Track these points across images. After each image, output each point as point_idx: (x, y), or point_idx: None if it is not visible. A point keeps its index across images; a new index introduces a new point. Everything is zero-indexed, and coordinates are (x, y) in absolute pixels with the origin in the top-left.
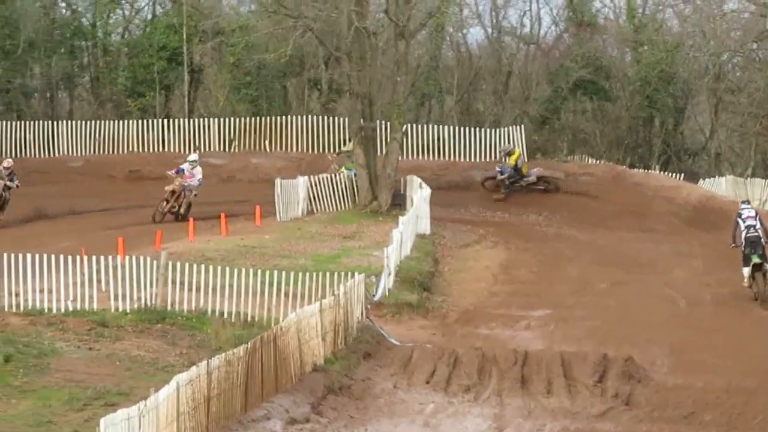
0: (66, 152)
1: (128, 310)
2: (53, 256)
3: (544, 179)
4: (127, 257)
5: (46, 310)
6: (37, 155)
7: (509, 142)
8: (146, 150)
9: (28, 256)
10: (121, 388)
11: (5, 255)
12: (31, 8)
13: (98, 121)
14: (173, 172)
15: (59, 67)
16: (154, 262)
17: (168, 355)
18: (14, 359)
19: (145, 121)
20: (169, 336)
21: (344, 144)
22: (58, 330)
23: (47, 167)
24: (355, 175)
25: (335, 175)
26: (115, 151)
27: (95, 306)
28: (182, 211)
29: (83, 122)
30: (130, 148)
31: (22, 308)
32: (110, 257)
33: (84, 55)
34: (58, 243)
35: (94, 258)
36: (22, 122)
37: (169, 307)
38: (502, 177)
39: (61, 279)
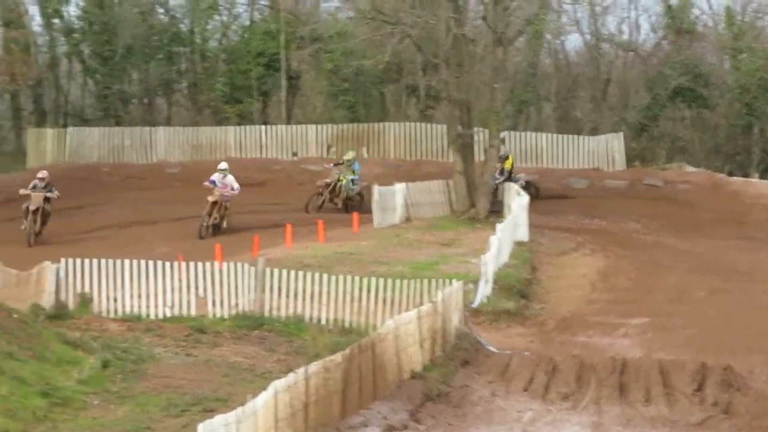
0: (164, 158)
1: (226, 317)
2: (151, 262)
3: (530, 183)
4: (224, 263)
5: (144, 316)
6: (135, 161)
7: (607, 151)
8: (244, 156)
9: (126, 262)
10: (219, 394)
11: (103, 261)
12: (129, 14)
13: (196, 128)
14: (207, 183)
15: (157, 73)
16: (252, 269)
17: (265, 361)
18: (112, 365)
19: (243, 127)
20: (266, 342)
21: (342, 153)
22: (156, 336)
23: (145, 173)
24: (353, 182)
25: (336, 184)
26: (213, 157)
27: (193, 312)
28: (223, 223)
29: (181, 128)
30: (228, 154)
31: (120, 314)
32: (208, 263)
33: (182, 61)
34: (156, 249)
35: (191, 264)
36: (121, 128)
37: (266, 314)
38: (496, 183)
39: (158, 285)
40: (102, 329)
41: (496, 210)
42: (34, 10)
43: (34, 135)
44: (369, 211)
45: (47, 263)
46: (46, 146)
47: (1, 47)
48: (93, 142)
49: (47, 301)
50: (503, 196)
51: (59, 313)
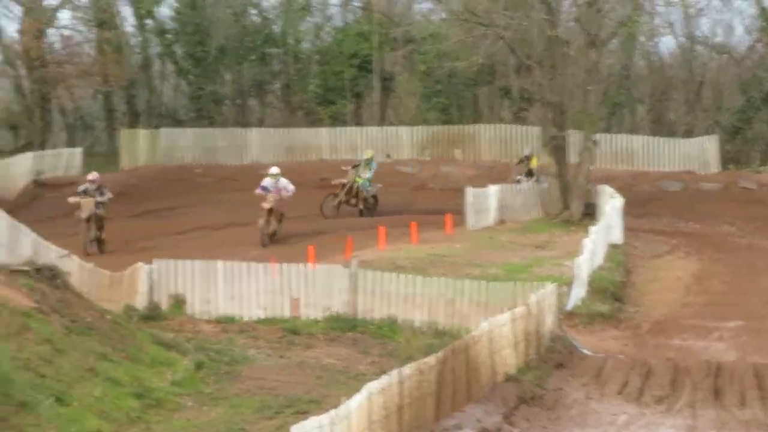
0: (257, 159)
1: (319, 318)
2: (245, 264)
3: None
4: (318, 265)
5: (237, 318)
6: (228, 162)
7: (701, 153)
8: (337, 157)
9: (220, 263)
10: (312, 396)
11: (197, 262)
12: (223, 15)
13: (289, 129)
14: (259, 190)
15: (250, 74)
16: (346, 270)
17: (359, 363)
18: (206, 366)
19: (335, 128)
20: (359, 344)
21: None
22: (249, 337)
23: (238, 174)
24: (369, 183)
25: (353, 185)
26: (306, 158)
27: (286, 314)
28: (277, 229)
29: (274, 129)
30: (321, 156)
31: (213, 315)
32: (301, 265)
33: (275, 62)
34: (250, 251)
35: (285, 266)
36: (213, 129)
37: (359, 316)
38: (518, 180)
39: (252, 287)
40: (195, 331)
41: (590, 212)
42: (127, 11)
43: (128, 136)
44: (380, 213)
45: (140, 264)
46: (139, 147)
47: (95, 48)
48: (186, 143)
49: (140, 302)
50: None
51: (152, 315)
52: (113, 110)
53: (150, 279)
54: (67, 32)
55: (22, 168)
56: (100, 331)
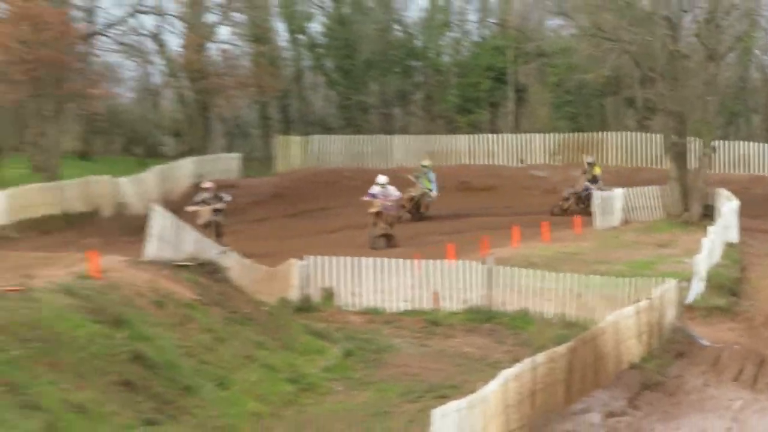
0: (400, 163)
1: (458, 310)
2: (390, 260)
3: None
4: (456, 261)
5: (383, 310)
6: (375, 166)
7: None
8: (475, 162)
9: (367, 259)
10: (452, 382)
11: (346, 258)
12: (369, 31)
13: (430, 136)
14: (367, 197)
15: (394, 86)
16: (482, 267)
17: (495, 351)
18: (354, 354)
19: (473, 136)
20: (495, 334)
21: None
22: (394, 327)
23: None
24: (430, 190)
25: (415, 190)
26: (446, 163)
27: (428, 306)
28: (390, 232)
29: (416, 136)
30: (460, 161)
31: (361, 307)
32: (442, 261)
33: (417, 74)
34: (396, 249)
35: (427, 262)
36: (360, 136)
37: (495, 308)
38: (587, 192)
39: (397, 281)
40: (344, 321)
41: (708, 214)
42: (280, 27)
43: (282, 142)
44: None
45: (294, 260)
46: (293, 152)
47: (251, 61)
48: (335, 149)
49: (294, 295)
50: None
51: (305, 306)
52: (268, 118)
53: (303, 274)
54: (225, 47)
55: (184, 171)
56: (258, 321)
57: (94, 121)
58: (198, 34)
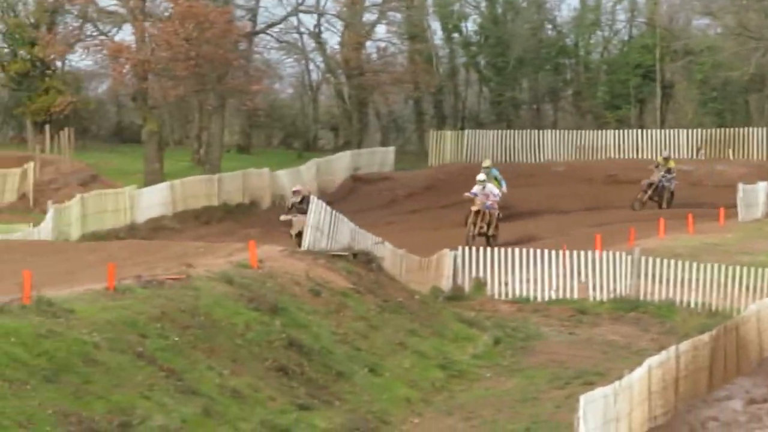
0: (550, 158)
1: (604, 300)
2: (539, 251)
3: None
4: (604, 252)
5: (531, 299)
6: (525, 160)
7: None
8: (622, 157)
9: (517, 250)
10: (598, 369)
11: (496, 249)
12: (521, 29)
13: (579, 131)
14: (469, 194)
15: (545, 82)
16: (628, 257)
17: (640, 340)
18: (503, 342)
19: (621, 131)
20: (640, 323)
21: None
22: (542, 316)
23: (533, 171)
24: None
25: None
26: (594, 158)
27: (575, 295)
28: (491, 232)
29: (566, 131)
30: (608, 155)
31: (510, 296)
32: (589, 252)
33: (567, 71)
34: (545, 239)
35: (574, 252)
36: (512, 131)
37: (641, 297)
38: (662, 184)
39: (545, 271)
40: (494, 310)
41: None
42: (436, 26)
43: (435, 136)
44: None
45: (446, 250)
46: (445, 147)
47: (407, 59)
48: (487, 144)
49: (446, 284)
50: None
51: (456, 295)
52: (423, 114)
53: (454, 263)
54: (382, 44)
55: (341, 164)
56: (410, 309)
57: (254, 115)
58: (356, 33)
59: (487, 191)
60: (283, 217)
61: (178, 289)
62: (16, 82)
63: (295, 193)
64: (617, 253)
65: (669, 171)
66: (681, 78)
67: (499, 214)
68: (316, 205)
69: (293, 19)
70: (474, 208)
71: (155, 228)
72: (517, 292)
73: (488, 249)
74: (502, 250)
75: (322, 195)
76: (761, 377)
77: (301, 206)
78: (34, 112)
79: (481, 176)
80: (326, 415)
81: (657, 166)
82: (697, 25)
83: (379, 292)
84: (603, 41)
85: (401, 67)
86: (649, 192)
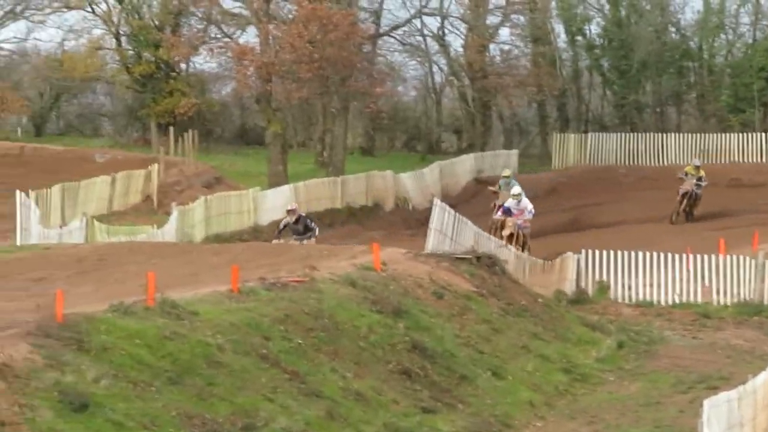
0: (674, 161)
1: (728, 304)
2: (662, 254)
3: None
4: (727, 256)
5: (654, 302)
6: (648, 164)
7: None
8: (746, 161)
9: (640, 253)
10: (722, 374)
11: (619, 252)
12: (645, 32)
13: (702, 134)
14: (499, 214)
15: (668, 85)
16: (752, 261)
17: (764, 344)
18: (626, 345)
19: (745, 134)
20: (765, 327)
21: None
22: (665, 320)
23: (657, 174)
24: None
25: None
26: (718, 161)
27: (698, 299)
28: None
29: (689, 135)
30: (732, 159)
31: (633, 300)
32: (712, 256)
33: (690, 74)
34: (665, 242)
35: (698, 256)
36: (635, 134)
37: (765, 302)
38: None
39: (668, 275)
40: (617, 314)
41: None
42: (559, 29)
43: (558, 139)
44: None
45: (569, 253)
46: (569, 150)
47: (530, 61)
48: (610, 147)
49: (569, 287)
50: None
51: (579, 299)
52: (546, 117)
53: (578, 267)
54: (506, 47)
55: (464, 167)
56: (533, 313)
57: (377, 118)
58: (480, 35)
59: (523, 206)
60: (275, 242)
61: (301, 291)
62: (141, 84)
63: (289, 212)
64: (741, 257)
65: (700, 179)
66: None
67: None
68: (440, 208)
69: (417, 22)
70: (506, 233)
71: None
72: (641, 296)
73: (611, 252)
74: (626, 253)
75: (446, 198)
76: None
77: (296, 227)
78: (158, 114)
79: (515, 190)
80: (449, 418)
81: (686, 175)
82: None
83: (503, 296)
84: (727, 44)
85: (524, 70)
86: (685, 202)
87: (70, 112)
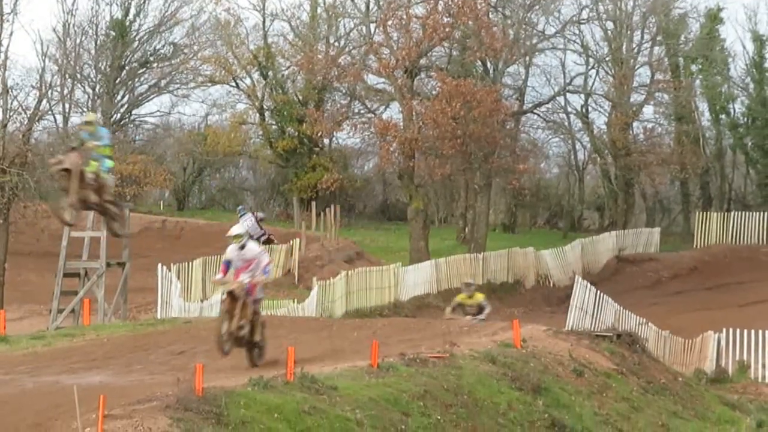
0: None
1: None
2: None
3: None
4: None
5: None
6: None
7: None
8: None
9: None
10: None
11: (761, 332)
12: None
13: None
14: (219, 275)
15: None
16: None
17: None
18: (766, 425)
19: None
20: None
21: None
22: None
23: None
24: None
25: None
26: None
27: None
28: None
29: None
30: None
31: None
32: None
33: None
34: None
35: None
36: None
37: None
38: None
39: None
40: (757, 393)
41: None
42: (703, 107)
43: (701, 218)
44: None
45: (710, 332)
46: (711, 228)
47: (674, 139)
48: (753, 226)
49: (709, 366)
50: None
51: (719, 378)
52: (689, 195)
53: (718, 346)
54: (649, 125)
55: (606, 245)
56: (673, 391)
57: (519, 195)
58: (623, 113)
59: (251, 256)
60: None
61: (441, 367)
62: (284, 159)
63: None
64: None
65: None
66: None
67: None
68: (581, 286)
69: (560, 99)
70: (225, 292)
71: (419, 306)
72: None
73: (752, 331)
74: (767, 332)
75: (587, 275)
76: None
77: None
78: (300, 188)
79: (235, 228)
80: None
81: None
82: None
83: (642, 374)
84: None
85: (668, 148)
86: None
87: (212, 186)
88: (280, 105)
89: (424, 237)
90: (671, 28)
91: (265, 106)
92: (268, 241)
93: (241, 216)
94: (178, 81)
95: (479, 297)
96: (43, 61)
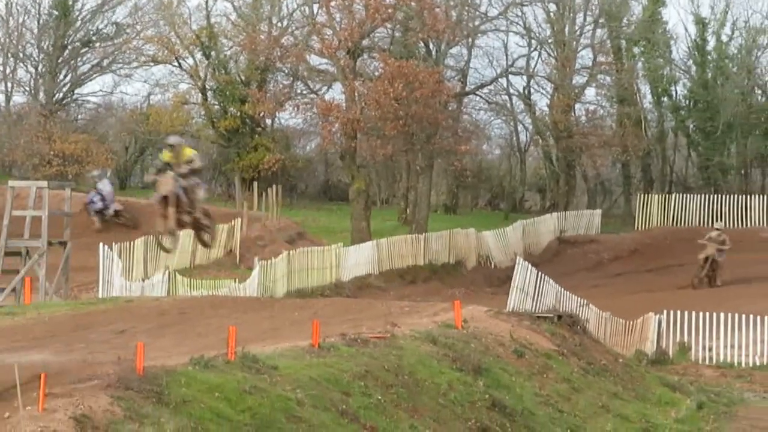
0: (757, 223)
1: None
2: (743, 316)
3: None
4: None
5: (735, 364)
6: (732, 226)
7: None
8: None
9: (722, 315)
10: None
11: (701, 314)
12: (730, 94)
13: None
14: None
15: (754, 147)
16: None
17: None
18: (706, 406)
19: None
20: None
21: None
22: (745, 382)
23: (740, 237)
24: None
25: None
26: None
27: None
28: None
29: None
30: None
31: (714, 362)
32: None
33: None
34: (752, 305)
35: None
36: (719, 195)
37: None
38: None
39: (750, 336)
40: (697, 375)
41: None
42: (645, 89)
43: (642, 200)
44: None
45: (650, 314)
46: (652, 211)
47: (615, 122)
48: (694, 208)
49: (649, 348)
50: None
51: (660, 359)
52: (630, 177)
53: (659, 327)
54: (591, 107)
55: (548, 226)
56: (613, 372)
57: (461, 176)
58: (566, 95)
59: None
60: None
61: (382, 347)
62: (226, 139)
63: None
64: None
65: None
66: None
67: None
68: (522, 267)
69: (503, 81)
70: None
71: (361, 286)
72: (721, 358)
73: (692, 313)
74: (707, 314)
75: (528, 257)
76: None
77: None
78: (242, 169)
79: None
80: None
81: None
82: None
83: (583, 355)
84: None
85: (609, 130)
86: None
87: (154, 165)
88: (223, 85)
89: (366, 218)
90: (614, 11)
91: (207, 86)
92: (117, 215)
93: (98, 181)
94: (120, 61)
95: (188, 152)
96: None
